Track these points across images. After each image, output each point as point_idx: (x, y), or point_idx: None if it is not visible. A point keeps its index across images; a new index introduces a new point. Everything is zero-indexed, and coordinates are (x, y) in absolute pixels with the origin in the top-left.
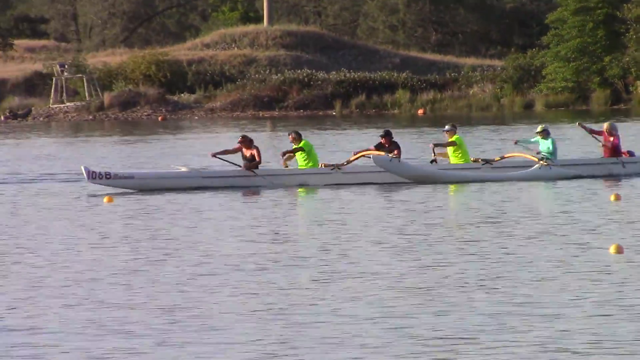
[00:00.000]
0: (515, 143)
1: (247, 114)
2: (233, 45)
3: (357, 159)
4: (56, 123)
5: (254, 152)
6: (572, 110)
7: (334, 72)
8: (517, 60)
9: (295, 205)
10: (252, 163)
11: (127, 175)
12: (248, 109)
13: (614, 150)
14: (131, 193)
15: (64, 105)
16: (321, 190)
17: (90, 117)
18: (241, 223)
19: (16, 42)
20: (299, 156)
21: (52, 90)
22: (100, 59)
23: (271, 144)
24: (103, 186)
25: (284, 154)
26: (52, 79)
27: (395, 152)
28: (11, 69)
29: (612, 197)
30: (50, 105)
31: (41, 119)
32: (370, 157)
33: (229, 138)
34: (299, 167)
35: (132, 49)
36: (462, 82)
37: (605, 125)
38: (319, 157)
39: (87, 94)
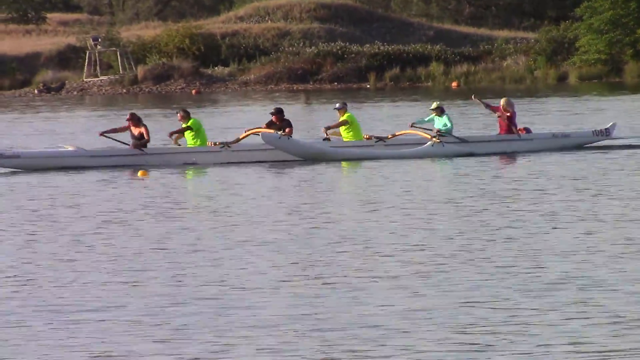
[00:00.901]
0: (411, 126)
1: (280, 86)
2: (267, 18)
3: (246, 136)
4: (90, 97)
5: (143, 130)
6: (606, 82)
7: (367, 45)
8: (550, 33)
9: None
10: (140, 141)
11: (13, 155)
12: (282, 82)
13: (509, 127)
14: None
15: (97, 78)
16: (210, 168)
17: (124, 90)
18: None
19: (49, 15)
20: (188, 135)
21: (86, 64)
22: (133, 32)
23: (306, 117)
24: None
25: (171, 134)
26: (85, 53)
27: (287, 130)
28: (44, 43)
29: None
30: (84, 79)
31: (75, 92)
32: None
33: (263, 111)
34: (188, 146)
35: (166, 22)
36: (496, 54)
37: (502, 101)
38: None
39: (120, 68)
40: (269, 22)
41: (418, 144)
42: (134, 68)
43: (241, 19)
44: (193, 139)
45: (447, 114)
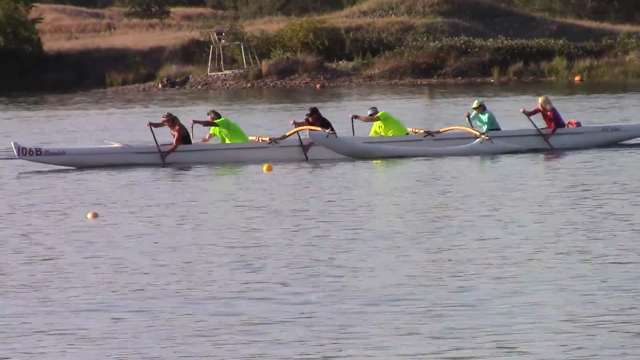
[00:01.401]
0: (467, 115)
1: (404, 81)
2: (390, 13)
3: (293, 133)
4: (214, 91)
5: (175, 131)
6: None
7: (490, 40)
8: None
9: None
10: (172, 146)
11: (58, 151)
12: (406, 76)
13: (556, 123)
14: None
15: (221, 73)
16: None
17: (248, 85)
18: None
19: (173, 10)
20: (221, 134)
21: (210, 58)
22: (257, 27)
23: (429, 111)
24: (34, 162)
25: (194, 122)
26: (209, 47)
27: (329, 129)
28: (168, 37)
29: None
30: (208, 73)
31: (199, 87)
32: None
33: (385, 106)
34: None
35: (289, 17)
36: (618, 48)
37: (539, 100)
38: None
39: (244, 62)
40: (393, 16)
41: (466, 139)
42: (258, 62)
43: (365, 13)
44: (229, 138)
45: (489, 112)
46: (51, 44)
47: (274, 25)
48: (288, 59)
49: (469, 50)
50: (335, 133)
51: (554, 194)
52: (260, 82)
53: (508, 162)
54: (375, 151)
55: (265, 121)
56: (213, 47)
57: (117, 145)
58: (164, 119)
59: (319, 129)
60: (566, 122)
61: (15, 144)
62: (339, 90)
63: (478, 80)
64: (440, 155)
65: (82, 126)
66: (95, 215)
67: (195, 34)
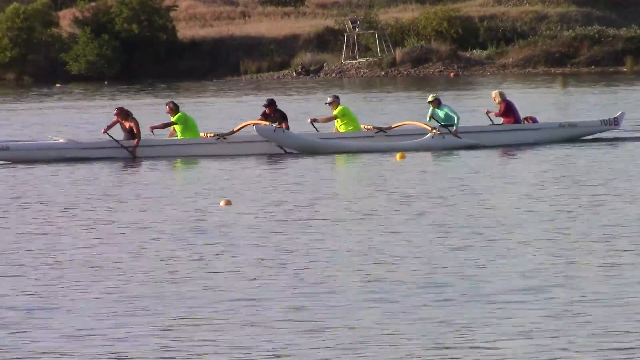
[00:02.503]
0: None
1: (538, 70)
2: (524, 2)
3: (241, 128)
4: (348, 79)
5: (132, 124)
6: None
7: (624, 29)
8: None
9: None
10: (132, 135)
11: (1, 147)
12: (539, 65)
13: (513, 118)
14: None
15: (355, 61)
16: (204, 161)
17: (382, 73)
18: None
19: None
20: (177, 129)
21: (344, 47)
22: (391, 15)
23: (563, 101)
24: None
25: (152, 128)
26: (343, 35)
27: (282, 122)
28: (303, 25)
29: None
30: (342, 62)
31: (333, 75)
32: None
33: (517, 95)
34: (179, 138)
35: (424, 5)
36: None
37: (492, 94)
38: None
39: (378, 50)
40: (527, 5)
41: (419, 135)
42: (392, 51)
43: (499, 2)
44: (182, 133)
45: (447, 105)
46: (185, 31)
47: (408, 13)
48: (422, 48)
49: (602, 39)
50: (283, 127)
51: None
52: (394, 71)
53: (462, 158)
54: (324, 146)
55: (398, 109)
56: (347, 36)
57: (62, 140)
58: (115, 112)
59: (266, 123)
60: (523, 117)
61: None
62: (472, 79)
63: (610, 69)
64: (392, 150)
65: (214, 114)
66: (228, 203)
67: (330, 22)
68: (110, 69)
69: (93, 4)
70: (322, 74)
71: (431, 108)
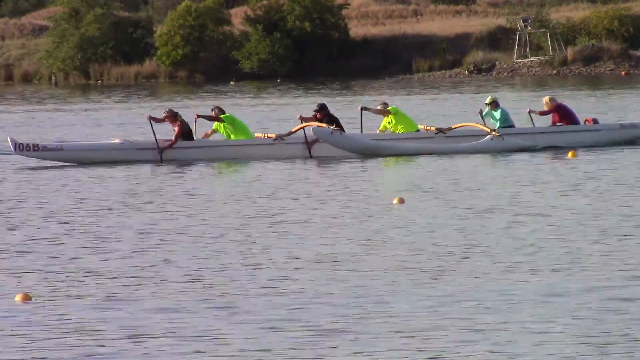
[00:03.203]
0: (480, 111)
1: None
2: None
3: (298, 129)
4: (519, 78)
5: (177, 126)
6: None
7: None
8: None
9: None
10: (170, 141)
11: (55, 147)
12: None
13: (570, 119)
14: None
15: (527, 60)
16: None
17: (554, 72)
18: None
19: None
20: (225, 130)
21: (516, 45)
22: (563, 14)
23: None
24: (31, 158)
25: (199, 116)
26: (515, 34)
27: (334, 125)
28: (474, 24)
29: None
30: (514, 60)
31: (505, 73)
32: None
33: None
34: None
35: (595, 4)
36: None
37: (544, 100)
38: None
39: (550, 49)
40: None
41: (477, 136)
42: (563, 49)
43: None
44: (233, 134)
45: (501, 108)
46: (357, 29)
47: (579, 12)
48: (593, 46)
49: None
50: (340, 130)
51: (565, 192)
52: (565, 69)
53: (519, 160)
54: (382, 148)
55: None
56: (519, 34)
57: (117, 140)
58: (165, 114)
59: (323, 125)
60: (583, 120)
61: (11, 139)
62: None
63: None
64: (450, 152)
65: None
66: (402, 201)
67: (502, 21)
68: (282, 67)
69: (265, 1)
70: (494, 73)
71: (487, 109)
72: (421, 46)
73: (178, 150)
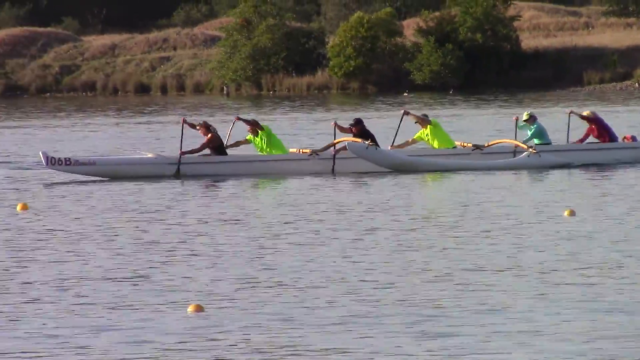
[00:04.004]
0: (516, 120)
1: None
2: None
3: (333, 145)
4: None
5: (208, 137)
6: None
7: None
8: None
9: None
10: (198, 149)
11: (88, 161)
12: None
13: (608, 136)
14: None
15: None
16: (297, 178)
17: None
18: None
19: None
20: (259, 143)
21: None
22: None
23: None
24: (64, 172)
25: (236, 143)
26: None
27: (369, 140)
28: None
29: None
30: None
31: None
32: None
33: None
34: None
35: None
36: None
37: (585, 114)
38: None
39: None
40: None
41: (514, 153)
42: None
43: None
44: (267, 148)
45: (537, 124)
46: (529, 41)
47: None
48: None
49: None
50: (376, 145)
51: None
52: None
53: (557, 177)
54: (418, 164)
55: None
56: None
57: (150, 155)
58: (198, 126)
59: (358, 140)
60: (621, 137)
61: (43, 153)
62: None
63: None
64: (486, 169)
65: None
66: (572, 213)
67: None
68: (454, 78)
69: (437, 13)
70: None
71: (524, 124)
72: (592, 58)
73: (209, 165)
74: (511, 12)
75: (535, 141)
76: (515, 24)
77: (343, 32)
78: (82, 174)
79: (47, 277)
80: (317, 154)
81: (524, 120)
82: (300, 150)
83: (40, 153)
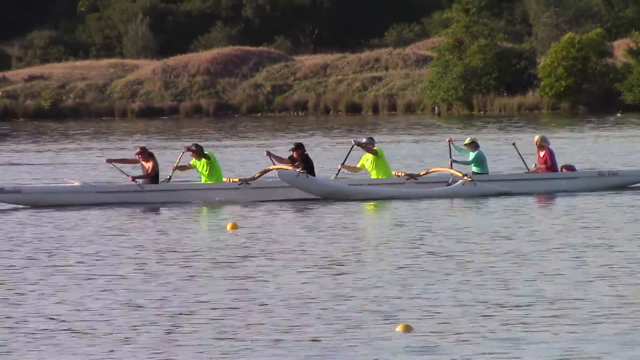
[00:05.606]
0: (448, 142)
1: None
2: None
3: (265, 173)
4: None
5: (151, 165)
6: None
7: None
8: None
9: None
10: (144, 175)
11: (13, 190)
12: None
13: (549, 165)
14: None
15: None
16: (229, 207)
17: None
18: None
19: None
20: (203, 169)
21: None
22: None
23: None
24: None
25: (176, 168)
26: None
27: (300, 169)
28: None
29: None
30: None
31: None
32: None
33: None
34: (203, 182)
35: None
36: None
37: (535, 139)
38: None
39: None
40: None
41: (450, 182)
42: None
43: None
44: (208, 177)
45: (478, 150)
46: None
47: None
48: None
49: None
50: (307, 172)
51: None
52: None
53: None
54: (348, 193)
55: None
56: None
57: (76, 183)
58: (137, 151)
59: (289, 167)
60: (559, 166)
61: None
62: None
63: None
64: (420, 197)
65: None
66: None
67: None
68: None
69: None
70: None
71: (465, 149)
72: None
73: (146, 193)
74: None
75: (474, 169)
76: None
77: (554, 53)
78: (9, 203)
79: None
80: (248, 183)
81: (465, 144)
82: (230, 179)
83: None
